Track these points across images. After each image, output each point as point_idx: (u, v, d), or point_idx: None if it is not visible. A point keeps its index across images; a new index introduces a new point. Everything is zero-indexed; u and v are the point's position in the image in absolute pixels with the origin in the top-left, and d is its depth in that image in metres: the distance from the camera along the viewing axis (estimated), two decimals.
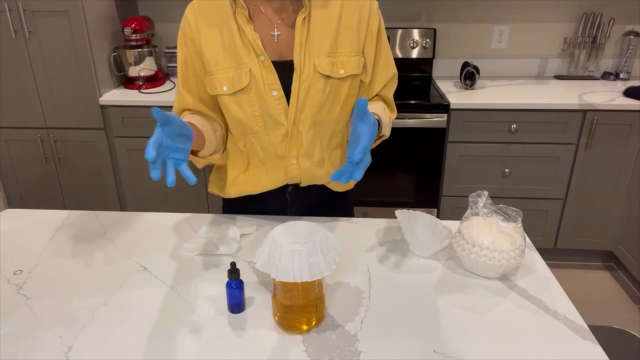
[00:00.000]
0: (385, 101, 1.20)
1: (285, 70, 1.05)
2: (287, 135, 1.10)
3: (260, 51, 1.04)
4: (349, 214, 1.31)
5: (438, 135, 2.35)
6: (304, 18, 1.04)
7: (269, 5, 1.06)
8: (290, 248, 0.76)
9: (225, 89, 1.06)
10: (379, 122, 1.06)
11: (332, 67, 1.05)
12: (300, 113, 1.08)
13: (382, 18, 1.11)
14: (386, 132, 1.12)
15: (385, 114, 1.12)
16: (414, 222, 1.07)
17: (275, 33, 1.06)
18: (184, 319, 0.86)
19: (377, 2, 1.10)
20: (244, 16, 1.04)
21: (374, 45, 1.11)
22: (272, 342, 0.81)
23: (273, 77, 1.05)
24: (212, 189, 1.26)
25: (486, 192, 1.01)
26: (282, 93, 1.06)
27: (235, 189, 1.19)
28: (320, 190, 1.20)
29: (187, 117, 1.09)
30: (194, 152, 1.09)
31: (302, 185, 1.17)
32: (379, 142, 1.15)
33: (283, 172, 1.14)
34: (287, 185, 1.18)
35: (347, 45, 1.07)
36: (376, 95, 1.18)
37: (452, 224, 1.13)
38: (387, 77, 1.16)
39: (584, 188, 2.40)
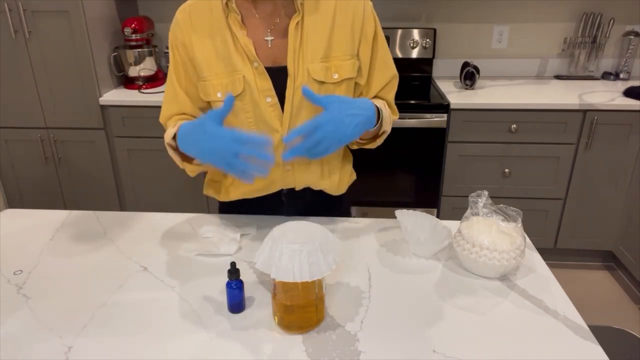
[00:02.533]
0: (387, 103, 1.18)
1: (279, 76, 1.04)
2: (282, 141, 1.09)
3: (253, 57, 1.02)
4: (345, 214, 1.30)
5: (438, 135, 2.35)
6: (297, 23, 1.02)
7: (262, 9, 1.04)
8: (290, 248, 0.76)
9: (219, 95, 1.05)
10: (380, 114, 1.06)
11: (325, 72, 1.04)
12: (295, 119, 1.07)
13: (377, 20, 1.10)
14: (387, 127, 1.11)
15: (386, 109, 1.11)
16: (414, 222, 1.07)
17: (269, 38, 1.05)
18: (184, 319, 0.86)
19: (371, 3, 1.09)
20: (236, 21, 1.02)
21: (369, 48, 1.09)
22: (272, 342, 0.81)
23: (267, 83, 1.04)
24: (208, 191, 1.26)
25: (486, 192, 1.01)
26: (276, 99, 1.05)
27: (230, 194, 1.19)
28: (315, 193, 1.19)
29: (180, 123, 1.07)
30: (189, 160, 1.08)
31: (297, 189, 1.16)
32: (382, 138, 1.14)
33: (278, 178, 1.13)
34: (282, 189, 1.17)
35: (341, 48, 1.05)
36: (375, 97, 1.17)
37: (452, 224, 1.13)
38: (385, 78, 1.14)
39: (584, 188, 2.40)
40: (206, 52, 1.04)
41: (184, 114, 1.13)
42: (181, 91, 1.10)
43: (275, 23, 1.05)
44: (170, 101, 1.12)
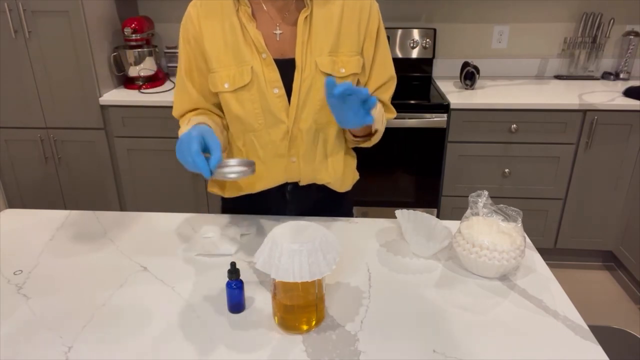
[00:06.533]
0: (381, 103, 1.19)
1: (286, 69, 1.06)
2: (288, 133, 1.10)
3: (262, 49, 1.04)
4: (348, 214, 1.31)
5: (438, 135, 2.35)
6: (306, 17, 1.05)
7: (272, 4, 1.06)
8: (290, 248, 0.76)
9: (226, 86, 1.06)
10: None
11: (333, 65, 1.06)
12: (301, 111, 1.08)
13: (381, 20, 1.12)
14: (379, 126, 1.13)
15: (376, 109, 1.11)
16: (414, 222, 1.07)
17: (278, 31, 1.07)
18: (184, 319, 0.86)
19: (377, 4, 1.11)
20: (247, 14, 1.04)
21: (372, 46, 1.11)
22: (272, 342, 0.81)
23: (275, 74, 1.06)
24: (212, 188, 1.26)
25: (486, 192, 1.01)
26: (283, 91, 1.07)
27: (234, 189, 1.20)
28: (319, 191, 1.20)
29: (194, 120, 1.09)
30: None
31: (301, 184, 1.17)
32: (376, 137, 1.16)
33: (282, 171, 1.14)
34: (286, 185, 1.18)
35: (348, 45, 1.07)
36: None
37: (452, 224, 1.13)
38: (382, 78, 1.15)
39: (584, 188, 2.40)
40: (216, 44, 1.06)
41: (197, 108, 1.15)
42: (193, 88, 1.12)
43: (285, 17, 1.07)
44: (181, 97, 1.14)
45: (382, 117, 1.15)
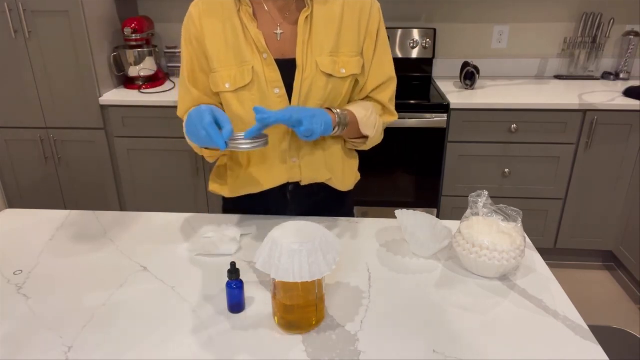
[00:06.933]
0: (380, 105, 1.18)
1: (287, 69, 1.06)
2: (288, 133, 1.10)
3: (263, 49, 1.05)
4: (349, 214, 1.31)
5: (438, 135, 2.35)
6: (307, 17, 1.05)
7: (273, 4, 1.07)
8: (290, 248, 0.76)
9: (227, 86, 1.07)
10: (338, 116, 1.05)
11: (334, 66, 1.06)
12: None
13: (382, 20, 1.11)
14: (368, 132, 1.11)
15: (365, 113, 1.10)
16: (414, 222, 1.07)
17: (279, 31, 1.07)
18: (184, 319, 0.86)
19: (378, 4, 1.11)
20: (248, 14, 1.05)
21: (372, 45, 1.11)
22: (272, 342, 0.81)
23: (275, 74, 1.06)
24: (213, 187, 1.26)
25: (486, 192, 1.01)
26: (284, 91, 1.07)
27: (236, 188, 1.20)
28: (320, 190, 1.20)
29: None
30: None
31: (302, 184, 1.17)
32: (372, 141, 1.15)
33: (284, 171, 1.14)
34: (287, 185, 1.18)
35: (348, 45, 1.08)
36: (368, 97, 1.17)
37: (452, 224, 1.13)
38: (380, 79, 1.14)
39: (584, 188, 2.40)
40: (217, 44, 1.06)
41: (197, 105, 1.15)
42: (195, 90, 1.12)
43: (286, 17, 1.07)
44: (184, 98, 1.15)
45: (374, 122, 1.12)
